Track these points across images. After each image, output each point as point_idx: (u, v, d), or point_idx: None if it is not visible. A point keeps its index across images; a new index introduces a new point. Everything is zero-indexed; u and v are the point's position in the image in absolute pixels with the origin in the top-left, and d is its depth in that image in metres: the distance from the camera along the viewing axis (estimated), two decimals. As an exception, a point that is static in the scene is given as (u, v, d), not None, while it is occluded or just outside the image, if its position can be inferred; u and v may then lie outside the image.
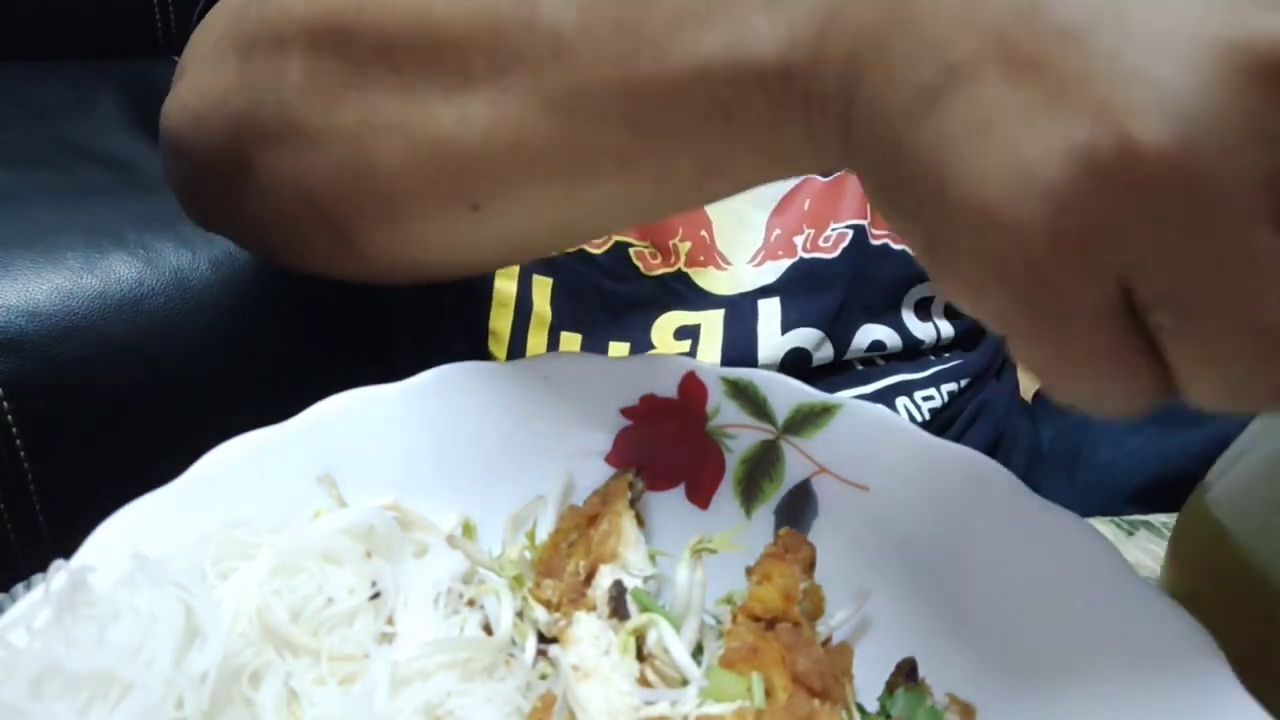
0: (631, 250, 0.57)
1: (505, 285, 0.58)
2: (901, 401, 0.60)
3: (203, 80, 0.43)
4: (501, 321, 0.58)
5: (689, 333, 0.58)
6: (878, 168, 0.28)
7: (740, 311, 0.58)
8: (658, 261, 0.58)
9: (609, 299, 0.58)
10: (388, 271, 0.42)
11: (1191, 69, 0.21)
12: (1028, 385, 0.75)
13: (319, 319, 0.71)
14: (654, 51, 0.31)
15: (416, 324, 0.62)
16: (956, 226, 0.25)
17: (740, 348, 0.57)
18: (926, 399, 0.61)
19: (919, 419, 0.60)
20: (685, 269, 0.58)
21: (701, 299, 0.58)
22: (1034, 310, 0.25)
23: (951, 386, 0.62)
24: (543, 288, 0.58)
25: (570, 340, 0.57)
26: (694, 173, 0.34)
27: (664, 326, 0.58)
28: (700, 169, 0.34)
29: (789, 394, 0.39)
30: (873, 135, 0.27)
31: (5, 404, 0.65)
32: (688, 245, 0.57)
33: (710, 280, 0.58)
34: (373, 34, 0.36)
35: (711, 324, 0.58)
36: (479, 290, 0.58)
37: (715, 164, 0.34)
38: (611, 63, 0.32)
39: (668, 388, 0.39)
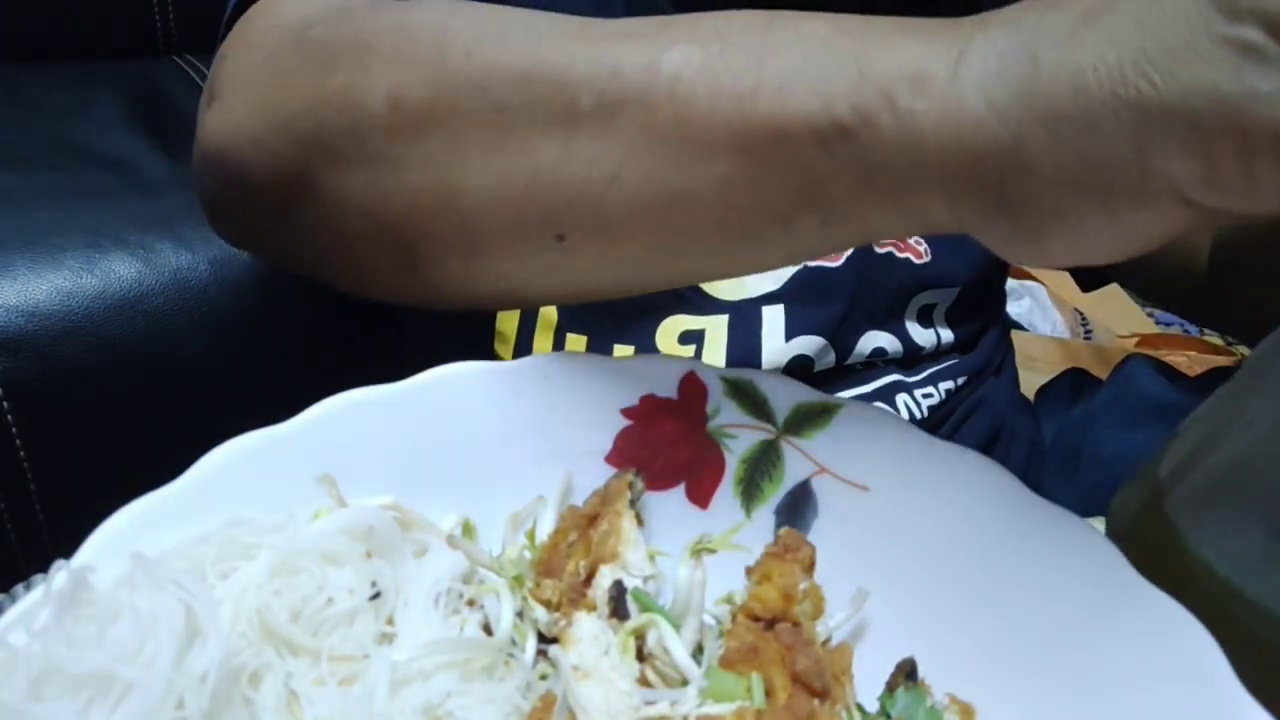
0: None
1: None
2: (901, 399, 0.60)
3: (262, 99, 0.42)
4: (508, 323, 0.58)
5: (693, 337, 0.58)
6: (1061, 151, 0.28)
7: (744, 318, 0.58)
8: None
9: (615, 302, 0.58)
10: (451, 299, 0.41)
11: None
12: (1029, 385, 0.75)
13: (320, 318, 0.71)
14: (775, 90, 0.32)
15: (421, 324, 0.62)
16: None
17: (744, 354, 0.57)
18: (925, 396, 0.61)
19: (918, 416, 0.60)
20: None
21: (706, 303, 0.58)
22: None
23: (949, 384, 0.62)
24: None
25: (576, 342, 0.57)
26: (790, 208, 0.34)
27: (669, 330, 0.58)
28: (799, 205, 0.33)
29: (789, 394, 0.39)
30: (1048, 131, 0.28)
31: (5, 404, 0.65)
32: None
33: (715, 285, 0.58)
34: (476, 73, 0.36)
35: (716, 329, 0.58)
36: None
37: (816, 200, 0.33)
38: (729, 98, 0.32)
39: (668, 388, 0.39)
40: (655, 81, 0.33)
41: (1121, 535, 0.37)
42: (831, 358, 0.59)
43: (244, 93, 0.44)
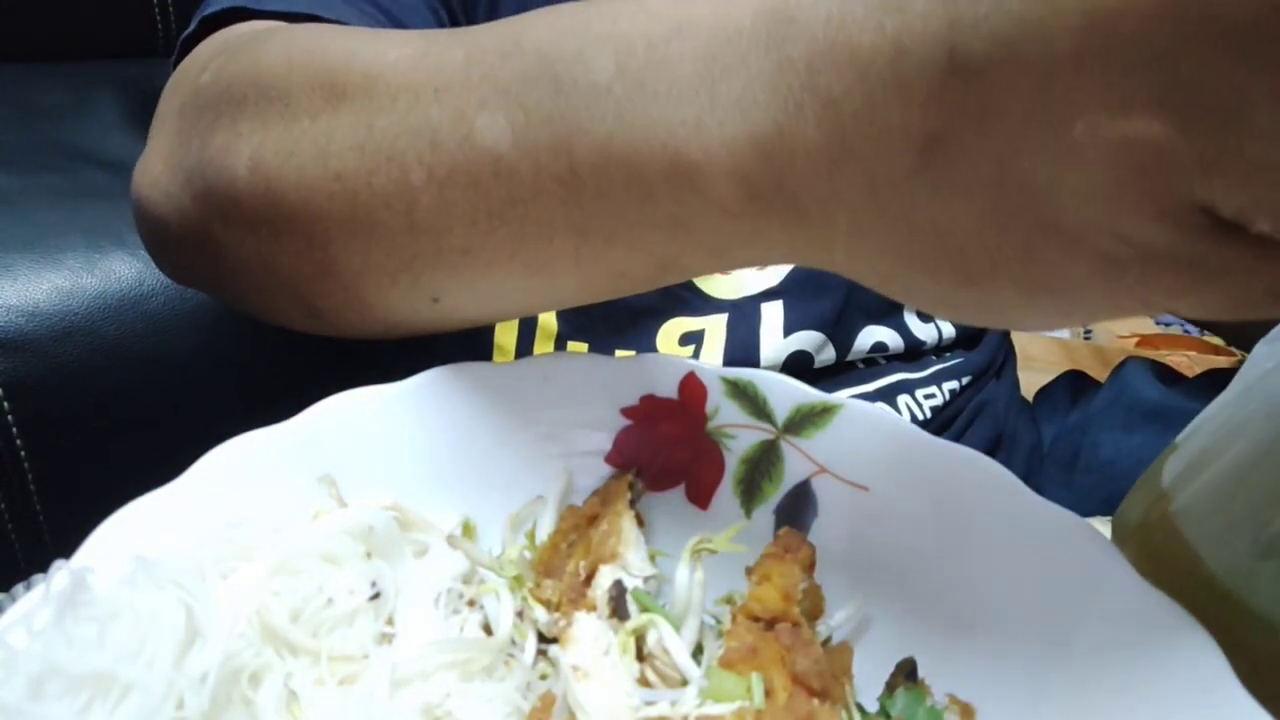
0: None
1: None
2: (903, 400, 0.60)
3: (170, 153, 0.43)
4: (506, 336, 0.58)
5: (693, 338, 0.58)
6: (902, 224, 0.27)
7: (743, 315, 0.58)
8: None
9: (615, 308, 0.58)
10: (367, 337, 0.42)
11: None
12: (1029, 385, 0.75)
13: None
14: (593, 173, 0.31)
15: (416, 343, 0.62)
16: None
17: (743, 351, 0.57)
18: (928, 397, 0.61)
19: (921, 417, 0.60)
20: None
21: (705, 304, 0.58)
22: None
23: (953, 385, 0.62)
24: None
25: (577, 350, 0.57)
26: (652, 273, 0.34)
27: (669, 333, 0.58)
28: (659, 269, 0.34)
29: (789, 394, 0.39)
30: (887, 205, 0.27)
31: (5, 404, 0.65)
32: None
33: (714, 285, 0.58)
34: (318, 140, 0.36)
35: (715, 328, 0.58)
36: None
37: (674, 265, 0.33)
38: (553, 179, 0.32)
39: (668, 388, 0.39)
40: (476, 159, 0.33)
41: (1128, 541, 0.37)
42: (831, 353, 0.59)
43: (158, 144, 0.44)
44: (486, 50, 0.34)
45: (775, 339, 0.58)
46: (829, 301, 0.58)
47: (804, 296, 0.58)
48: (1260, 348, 0.36)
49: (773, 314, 0.58)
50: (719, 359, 0.57)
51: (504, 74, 0.33)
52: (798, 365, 0.58)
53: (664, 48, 0.30)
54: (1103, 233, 0.23)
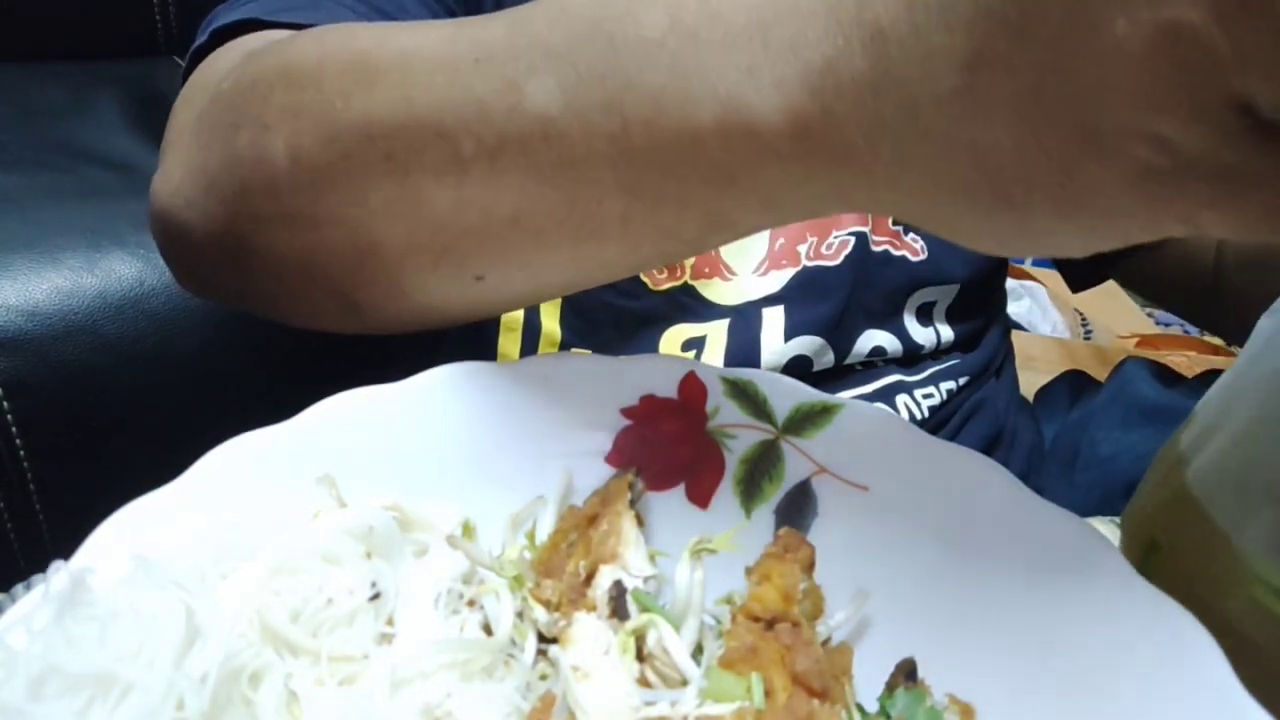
0: None
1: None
2: (901, 399, 0.60)
3: (190, 160, 0.43)
4: (510, 345, 0.58)
5: (695, 344, 0.58)
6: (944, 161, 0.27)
7: (745, 321, 0.58)
8: (664, 276, 0.58)
9: (618, 316, 0.58)
10: (401, 329, 0.42)
11: None
12: (1029, 385, 0.75)
13: (317, 333, 0.71)
14: (645, 129, 0.31)
15: (418, 352, 0.62)
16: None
17: (743, 356, 0.57)
18: (926, 397, 0.61)
19: (918, 416, 0.60)
20: (691, 281, 0.58)
21: (708, 310, 0.58)
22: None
23: (950, 385, 0.62)
24: (551, 308, 0.58)
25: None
26: (700, 232, 0.34)
27: (672, 339, 0.58)
28: (707, 227, 0.34)
29: (789, 394, 0.39)
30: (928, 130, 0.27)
31: (5, 404, 0.65)
32: (693, 259, 0.58)
33: (716, 291, 0.58)
34: (358, 121, 0.36)
35: (716, 334, 0.58)
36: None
37: (723, 221, 0.33)
38: (604, 140, 0.32)
39: (668, 388, 0.39)
40: (527, 125, 0.33)
41: (1142, 523, 0.37)
42: (830, 357, 0.59)
43: (178, 154, 0.44)
44: (532, 19, 0.34)
45: (776, 344, 0.58)
46: (830, 306, 0.58)
47: (805, 301, 0.58)
48: (1263, 321, 0.36)
49: (774, 319, 0.58)
50: (719, 364, 0.57)
51: (554, 38, 0.33)
52: (797, 370, 0.58)
53: (716, 0, 0.30)
54: (1142, 138, 0.23)
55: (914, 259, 0.61)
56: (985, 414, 0.64)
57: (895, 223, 0.61)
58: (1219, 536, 0.34)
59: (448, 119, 0.34)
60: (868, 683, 0.35)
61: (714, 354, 0.57)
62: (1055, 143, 0.25)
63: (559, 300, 0.58)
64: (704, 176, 0.31)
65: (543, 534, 0.38)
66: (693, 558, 0.36)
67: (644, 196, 0.33)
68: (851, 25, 0.27)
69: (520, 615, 0.35)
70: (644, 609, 0.34)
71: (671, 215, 0.33)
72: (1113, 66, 0.23)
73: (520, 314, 0.58)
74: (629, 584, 0.35)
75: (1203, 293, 0.62)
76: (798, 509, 0.39)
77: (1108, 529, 0.46)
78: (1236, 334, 0.74)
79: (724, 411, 0.39)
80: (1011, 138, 0.25)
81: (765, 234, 0.59)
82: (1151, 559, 0.34)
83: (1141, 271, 0.66)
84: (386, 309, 0.40)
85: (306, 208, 0.37)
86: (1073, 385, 0.75)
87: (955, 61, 0.25)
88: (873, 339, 0.61)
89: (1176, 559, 0.34)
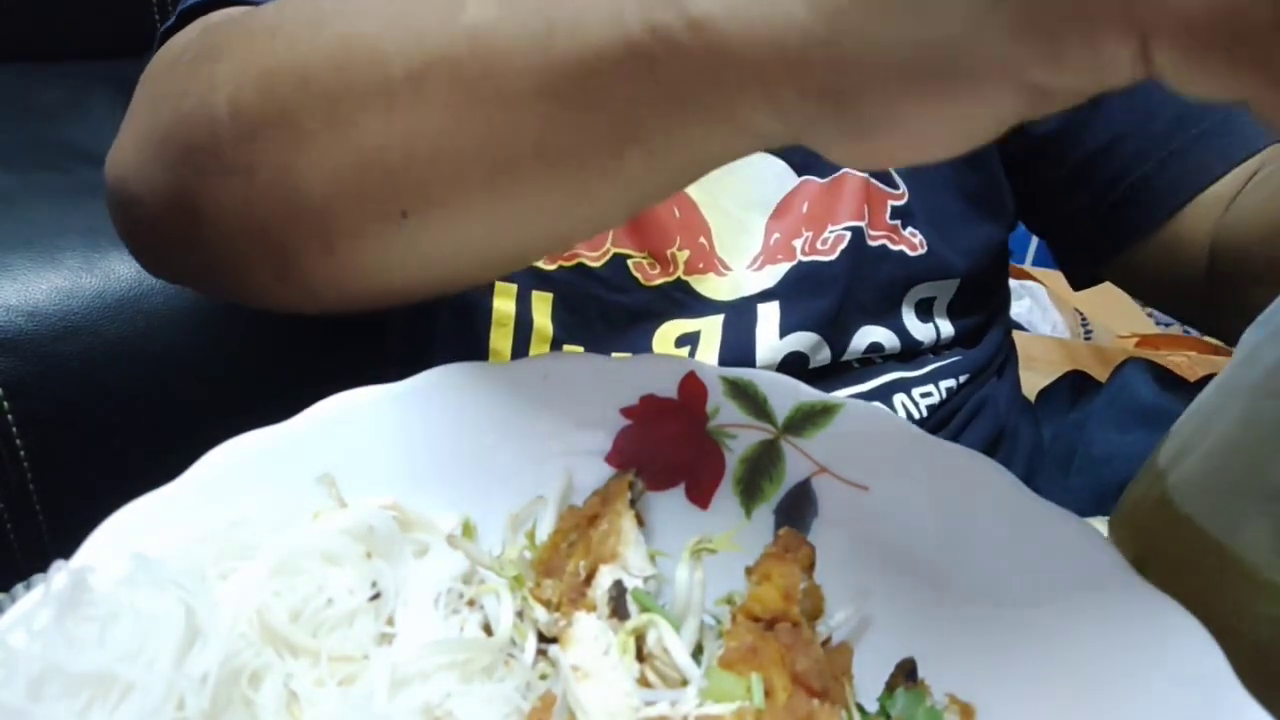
0: (630, 262, 0.57)
1: (504, 305, 0.58)
2: (899, 399, 0.60)
3: (140, 130, 0.44)
4: (502, 341, 0.58)
5: (689, 340, 0.58)
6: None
7: (739, 316, 0.58)
8: (656, 272, 0.58)
9: (610, 311, 0.58)
10: (333, 301, 0.42)
11: None
12: (1030, 385, 0.75)
13: (321, 319, 0.71)
14: (570, 27, 0.31)
15: (411, 350, 0.62)
16: None
17: (738, 353, 0.57)
18: (924, 395, 0.61)
19: (917, 416, 0.60)
20: (685, 277, 0.58)
21: (702, 306, 0.58)
22: None
23: (950, 383, 0.62)
24: (543, 304, 0.58)
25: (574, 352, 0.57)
26: (611, 145, 0.33)
27: (665, 335, 0.58)
28: (619, 140, 0.33)
29: (789, 393, 0.39)
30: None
31: (5, 404, 0.65)
32: (686, 254, 0.58)
33: (711, 287, 0.58)
34: (298, 66, 0.37)
35: (711, 330, 0.58)
36: (477, 312, 0.58)
37: (635, 133, 0.33)
38: (529, 41, 0.32)
39: (668, 388, 0.39)
40: (456, 40, 0.34)
41: (1125, 528, 0.37)
42: (826, 354, 0.59)
43: (129, 127, 0.45)
44: None
45: (771, 340, 0.57)
46: (826, 302, 0.58)
47: (800, 297, 0.58)
48: (1247, 334, 0.36)
49: (769, 315, 0.58)
50: (714, 361, 0.57)
51: None
52: (793, 366, 0.58)
53: None
54: None
55: (912, 253, 0.61)
56: (987, 414, 0.64)
57: (893, 217, 0.61)
58: (1210, 544, 0.34)
59: (382, 46, 0.35)
60: (868, 683, 0.35)
61: (708, 350, 0.57)
62: None
63: (550, 296, 0.58)
64: (625, 71, 0.31)
65: (543, 534, 0.38)
66: (693, 558, 0.36)
67: (560, 106, 0.32)
68: None
69: (520, 615, 0.35)
70: (644, 609, 0.34)
71: (586, 130, 0.33)
72: None
73: (511, 310, 0.58)
74: (629, 584, 0.35)
75: (1195, 295, 0.62)
76: (798, 509, 0.39)
77: (1106, 529, 0.46)
78: (1230, 337, 0.74)
79: (724, 411, 0.39)
80: None
81: (760, 228, 0.59)
82: (1142, 572, 0.34)
83: (1135, 272, 0.66)
84: (318, 267, 0.40)
85: (244, 159, 0.38)
86: (1074, 386, 0.75)
87: None
88: (870, 335, 0.60)
89: (1165, 570, 0.34)
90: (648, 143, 0.33)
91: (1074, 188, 0.65)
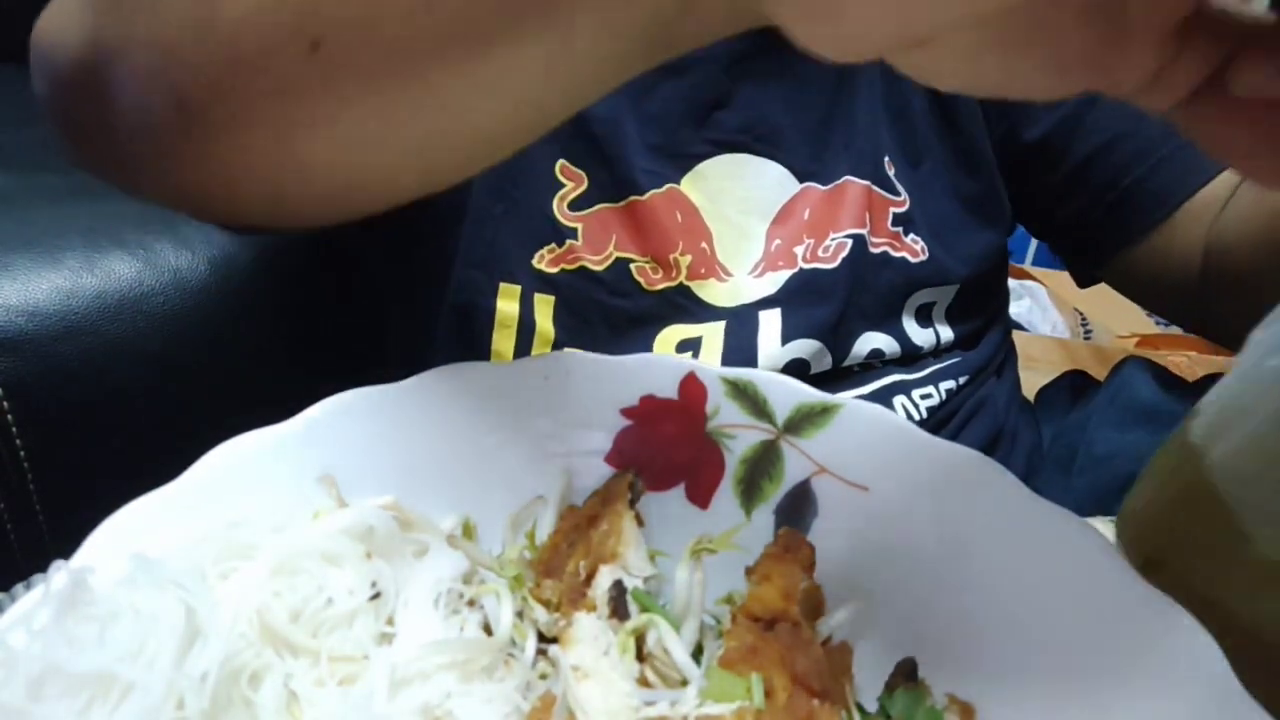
0: (633, 266, 0.57)
1: (507, 307, 0.58)
2: (899, 401, 0.60)
3: None
4: (504, 343, 0.58)
5: (690, 345, 0.58)
6: None
7: (741, 323, 0.58)
8: (659, 276, 0.58)
9: (612, 315, 0.58)
10: (241, 179, 0.39)
11: None
12: (1029, 385, 0.75)
13: (321, 319, 0.71)
14: None
15: (411, 351, 0.62)
16: None
17: (740, 359, 0.57)
18: (924, 397, 0.61)
19: (916, 418, 0.60)
20: (687, 282, 0.58)
21: (703, 311, 0.58)
22: None
23: (949, 384, 0.62)
24: (545, 306, 0.58)
25: None
26: (537, 25, 0.31)
27: (666, 340, 0.58)
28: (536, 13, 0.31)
29: (789, 394, 0.39)
30: None
31: (5, 404, 0.65)
32: (688, 259, 0.58)
33: (712, 292, 0.58)
34: None
35: (712, 336, 0.58)
36: (479, 313, 0.58)
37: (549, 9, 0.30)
38: None
39: (668, 388, 0.39)
40: None
41: (1143, 519, 0.37)
42: (828, 360, 0.59)
43: None
44: None
45: (773, 347, 0.58)
46: (827, 310, 0.58)
47: (802, 305, 0.58)
48: (1256, 333, 0.36)
49: (770, 322, 0.58)
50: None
51: None
52: (795, 373, 0.58)
53: None
54: None
55: (913, 260, 0.61)
56: (986, 414, 0.64)
57: (894, 224, 0.61)
58: (1237, 535, 0.34)
59: None
60: (868, 683, 0.35)
61: (710, 356, 0.57)
62: None
63: (552, 299, 0.58)
64: None
65: (543, 534, 0.38)
66: (693, 558, 0.36)
67: None
68: None
69: (520, 615, 0.35)
70: (644, 609, 0.34)
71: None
72: None
73: (515, 311, 0.58)
74: (629, 584, 0.35)
75: (1190, 297, 0.62)
76: (798, 509, 0.39)
77: (1107, 529, 0.46)
78: (1224, 339, 0.74)
79: (724, 411, 0.39)
80: None
81: (761, 234, 0.59)
82: (1150, 575, 0.34)
83: (1130, 275, 0.66)
84: (221, 119, 0.37)
85: None
86: (1074, 386, 0.75)
87: None
88: (871, 341, 0.60)
89: (1180, 565, 0.34)
90: (549, 17, 0.31)
91: (1070, 192, 0.65)
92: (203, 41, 0.36)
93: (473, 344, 0.58)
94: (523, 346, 0.58)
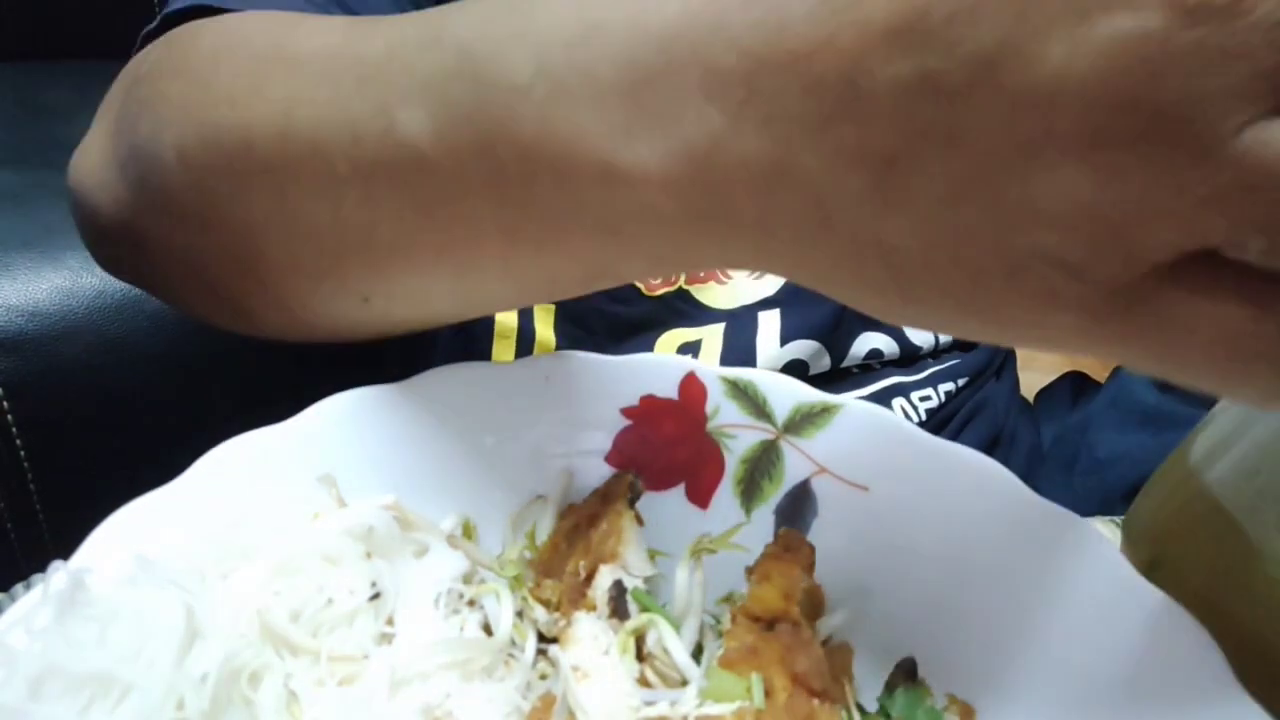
0: None
1: (506, 317, 0.58)
2: (898, 402, 0.60)
3: (104, 144, 0.43)
4: (504, 353, 0.58)
5: (690, 349, 0.58)
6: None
7: (740, 324, 0.58)
8: (659, 281, 0.58)
9: (612, 321, 0.58)
10: (297, 340, 0.41)
11: None
12: (1029, 385, 0.75)
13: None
14: (523, 180, 0.29)
15: (411, 357, 0.62)
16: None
17: (738, 361, 0.57)
18: (923, 399, 0.61)
19: (915, 420, 0.60)
20: (687, 286, 0.58)
21: (703, 314, 0.58)
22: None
23: (949, 386, 0.62)
24: (545, 314, 0.58)
25: None
26: (586, 277, 0.33)
27: (667, 344, 0.58)
28: (594, 274, 0.32)
29: (789, 394, 0.39)
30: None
31: (5, 404, 0.65)
32: None
33: (712, 295, 0.58)
34: (239, 127, 0.35)
35: (712, 338, 0.58)
36: (479, 324, 0.58)
37: (608, 272, 0.32)
38: (481, 180, 0.30)
39: (668, 388, 0.39)
40: (398, 154, 0.31)
41: (1150, 527, 0.37)
42: (827, 361, 0.59)
43: (96, 134, 0.44)
44: (407, 40, 0.32)
45: (772, 348, 0.58)
46: (826, 309, 0.58)
47: (801, 305, 0.58)
48: None
49: (769, 323, 0.58)
50: None
51: (423, 67, 0.31)
52: (793, 374, 0.57)
53: (582, 50, 0.27)
54: (1055, 264, 0.22)
55: None
56: (985, 416, 0.64)
57: None
58: (1242, 541, 0.34)
59: (323, 136, 0.33)
60: (868, 683, 0.35)
61: (709, 359, 0.57)
62: (968, 254, 0.23)
63: (552, 306, 0.58)
64: (587, 229, 0.30)
65: (543, 534, 0.38)
66: (693, 558, 0.36)
67: (524, 242, 0.31)
68: (739, 105, 0.25)
69: (520, 615, 0.35)
70: (644, 609, 0.34)
71: (553, 262, 0.32)
72: (1038, 191, 0.21)
73: (514, 321, 0.58)
74: (629, 584, 0.35)
75: None
76: (798, 509, 0.39)
77: (1108, 529, 0.46)
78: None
79: (724, 411, 0.39)
80: (920, 241, 0.24)
81: None
82: (1154, 574, 0.34)
83: None
84: (274, 320, 0.39)
85: (193, 206, 0.37)
86: (1074, 386, 0.75)
87: (866, 161, 0.23)
88: (870, 340, 0.60)
89: (1183, 569, 0.34)
90: (619, 279, 0.33)
91: None
92: (249, 275, 0.37)
93: (473, 355, 0.58)
94: (522, 353, 0.58)
